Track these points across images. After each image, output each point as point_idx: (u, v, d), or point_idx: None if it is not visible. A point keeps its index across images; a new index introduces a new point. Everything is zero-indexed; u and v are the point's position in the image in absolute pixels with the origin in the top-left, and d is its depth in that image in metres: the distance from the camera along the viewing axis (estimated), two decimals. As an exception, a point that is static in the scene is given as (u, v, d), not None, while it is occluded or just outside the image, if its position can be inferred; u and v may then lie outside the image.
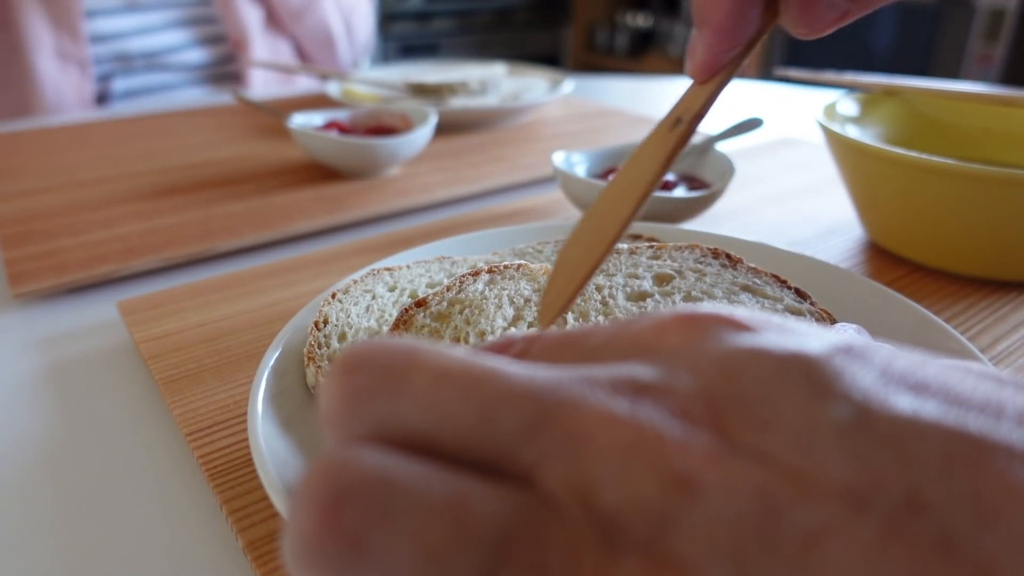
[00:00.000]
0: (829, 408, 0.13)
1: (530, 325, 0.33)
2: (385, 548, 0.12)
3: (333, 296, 0.37)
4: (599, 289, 0.35)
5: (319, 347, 0.34)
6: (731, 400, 0.14)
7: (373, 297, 0.38)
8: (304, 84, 1.25)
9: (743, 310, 0.16)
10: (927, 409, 0.13)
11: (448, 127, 0.84)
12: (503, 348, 0.18)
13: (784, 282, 0.37)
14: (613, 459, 0.13)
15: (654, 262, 0.37)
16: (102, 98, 1.09)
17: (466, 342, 0.32)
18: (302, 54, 1.27)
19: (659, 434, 0.13)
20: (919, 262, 0.49)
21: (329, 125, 0.71)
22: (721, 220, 0.58)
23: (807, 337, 0.15)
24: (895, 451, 0.12)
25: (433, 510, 0.12)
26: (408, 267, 0.40)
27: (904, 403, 0.13)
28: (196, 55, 1.14)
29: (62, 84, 1.03)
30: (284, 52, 1.22)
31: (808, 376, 0.14)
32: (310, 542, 0.12)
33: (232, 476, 0.31)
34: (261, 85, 1.20)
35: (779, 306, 0.35)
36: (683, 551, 0.12)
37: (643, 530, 0.13)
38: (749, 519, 0.12)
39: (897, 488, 0.12)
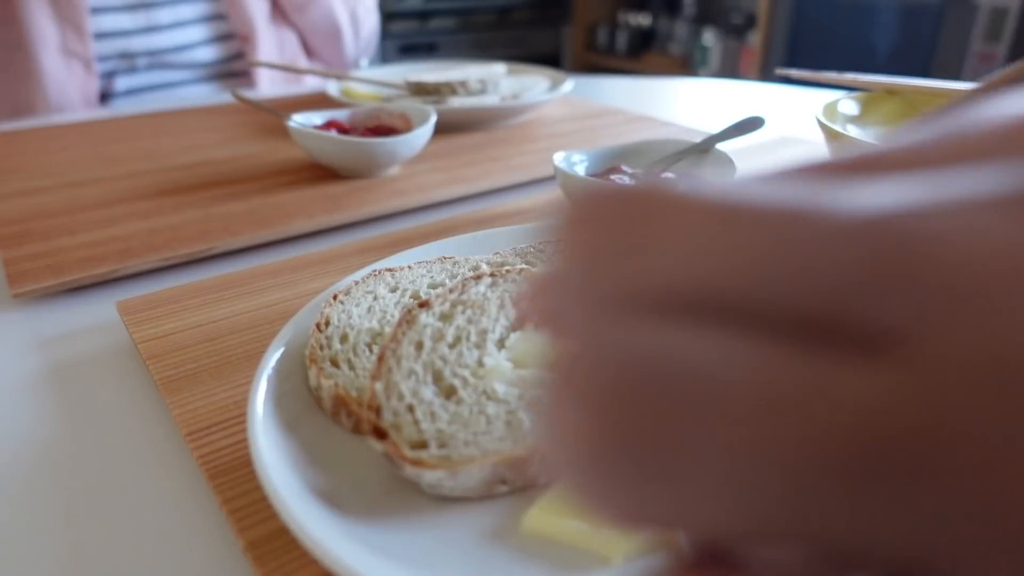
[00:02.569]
0: None
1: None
2: (701, 456, 0.09)
3: (335, 297, 0.37)
4: None
5: (321, 349, 0.34)
6: None
7: (375, 298, 0.37)
8: (309, 83, 1.25)
9: None
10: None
11: (448, 127, 0.83)
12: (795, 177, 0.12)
13: None
14: None
15: None
16: (105, 96, 1.09)
17: (468, 341, 0.32)
18: (308, 48, 1.27)
19: None
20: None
21: (329, 125, 0.71)
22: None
23: None
24: None
25: (764, 399, 0.09)
26: (410, 268, 0.40)
27: None
28: (206, 53, 1.14)
29: (66, 81, 1.03)
30: (291, 46, 1.22)
31: None
32: (595, 450, 0.10)
33: (232, 476, 0.31)
34: (267, 83, 1.19)
35: None
36: None
37: None
38: None
39: None
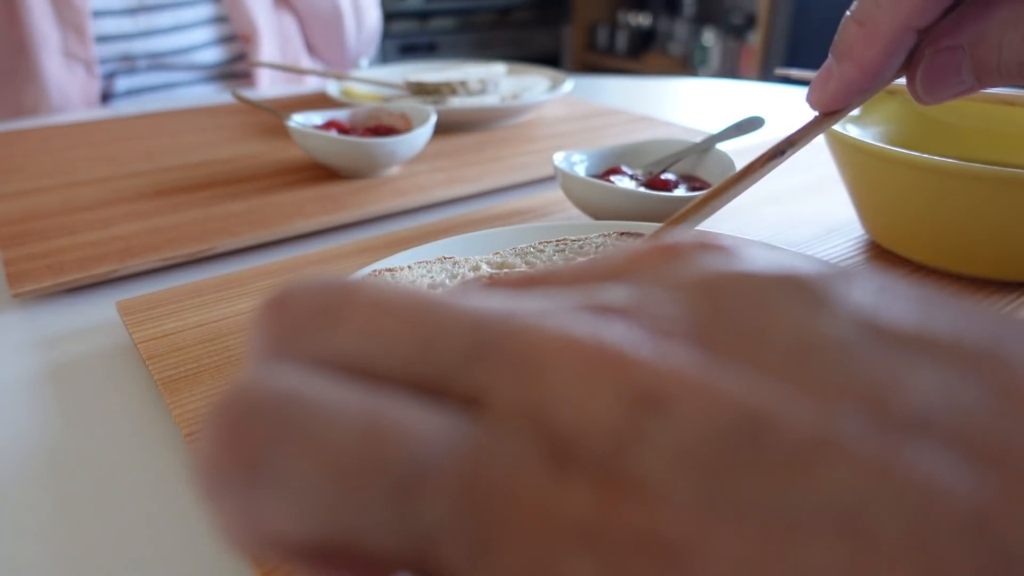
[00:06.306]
0: (828, 321, 0.12)
1: None
2: (287, 470, 0.11)
3: (333, 296, 0.37)
4: None
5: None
6: (716, 317, 0.13)
7: (373, 297, 0.37)
8: (309, 83, 1.25)
9: (727, 236, 0.15)
10: (935, 321, 0.12)
11: (448, 126, 0.83)
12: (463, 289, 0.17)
13: None
14: (571, 377, 0.12)
15: None
16: (105, 97, 1.09)
17: None
18: (309, 43, 1.26)
19: (626, 350, 0.12)
20: (920, 262, 0.49)
21: (328, 124, 0.71)
22: (721, 220, 0.58)
23: (796, 259, 0.14)
24: (902, 361, 0.12)
25: (344, 431, 0.12)
26: (409, 268, 0.40)
27: (907, 316, 0.13)
28: (208, 55, 1.14)
29: (68, 84, 1.03)
30: (293, 45, 1.22)
31: (803, 291, 0.13)
32: (211, 465, 0.12)
33: (232, 477, 0.31)
34: (268, 83, 1.19)
35: None
36: (644, 471, 0.11)
37: (599, 449, 0.11)
38: (728, 435, 0.11)
39: (907, 400, 0.11)
